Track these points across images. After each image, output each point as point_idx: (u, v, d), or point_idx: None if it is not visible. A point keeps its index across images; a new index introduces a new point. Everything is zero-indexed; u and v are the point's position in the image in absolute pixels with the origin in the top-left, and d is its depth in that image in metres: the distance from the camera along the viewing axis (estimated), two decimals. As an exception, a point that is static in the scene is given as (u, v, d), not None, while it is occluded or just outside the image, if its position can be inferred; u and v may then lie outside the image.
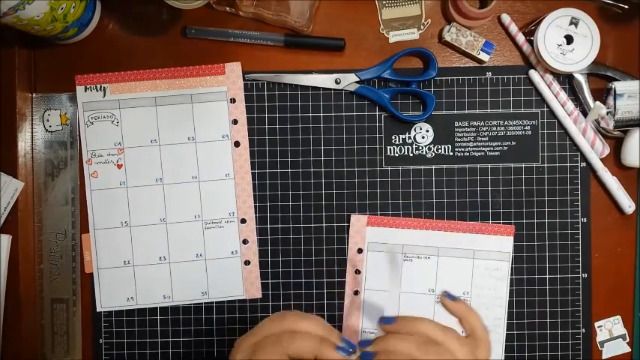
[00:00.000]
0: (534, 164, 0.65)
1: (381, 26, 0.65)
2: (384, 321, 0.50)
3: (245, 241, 0.66)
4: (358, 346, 0.48)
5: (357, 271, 0.65)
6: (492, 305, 0.64)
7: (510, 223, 0.65)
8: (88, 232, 0.66)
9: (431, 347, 0.47)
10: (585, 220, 0.65)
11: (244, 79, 0.65)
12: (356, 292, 0.65)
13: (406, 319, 0.50)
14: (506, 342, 0.65)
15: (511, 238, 0.64)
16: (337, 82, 0.65)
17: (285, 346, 0.46)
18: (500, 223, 0.65)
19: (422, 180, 0.65)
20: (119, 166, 0.65)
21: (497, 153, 0.65)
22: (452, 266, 0.64)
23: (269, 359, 0.47)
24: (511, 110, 0.65)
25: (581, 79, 0.64)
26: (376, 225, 0.65)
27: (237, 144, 0.65)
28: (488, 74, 0.65)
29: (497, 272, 0.64)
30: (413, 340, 0.48)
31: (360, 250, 0.65)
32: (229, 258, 0.65)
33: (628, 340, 0.65)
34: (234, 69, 0.65)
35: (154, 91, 0.65)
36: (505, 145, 0.65)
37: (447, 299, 0.59)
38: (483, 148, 0.65)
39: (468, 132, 0.65)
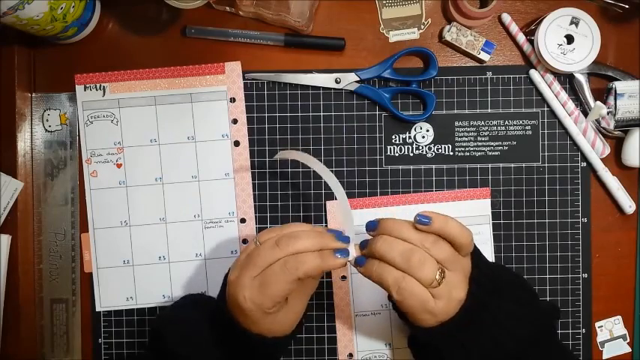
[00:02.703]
0: (534, 164, 0.65)
1: (381, 26, 0.65)
2: (370, 225, 0.49)
3: (245, 241, 0.65)
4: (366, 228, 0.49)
5: None
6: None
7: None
8: (88, 231, 0.66)
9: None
10: (585, 220, 0.65)
11: (244, 79, 0.65)
12: (343, 278, 0.65)
13: (387, 222, 0.48)
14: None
15: (488, 201, 0.64)
16: (337, 81, 0.65)
17: (294, 272, 0.47)
18: (477, 187, 0.65)
19: (422, 180, 0.65)
20: (119, 166, 0.65)
21: (497, 153, 0.65)
22: None
23: (283, 289, 0.47)
24: (511, 110, 0.65)
25: (581, 78, 0.64)
26: (355, 208, 0.65)
27: (236, 143, 0.65)
28: (489, 74, 0.65)
29: (479, 236, 0.64)
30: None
31: None
32: (229, 258, 0.65)
33: (628, 340, 0.65)
34: (234, 68, 0.65)
35: (153, 90, 0.65)
36: (505, 145, 0.65)
37: (422, 226, 0.48)
38: (483, 148, 0.65)
39: (468, 132, 0.65)
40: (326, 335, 0.65)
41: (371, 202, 0.65)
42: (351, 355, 0.65)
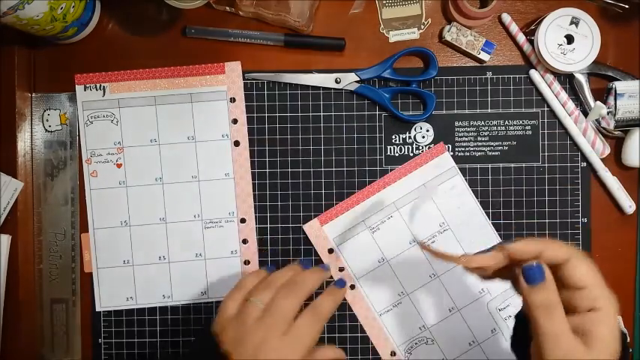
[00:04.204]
0: (534, 164, 0.65)
1: (381, 26, 0.65)
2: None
3: (245, 241, 0.65)
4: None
5: (341, 269, 0.65)
6: (470, 218, 0.65)
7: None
8: (88, 231, 0.66)
9: None
10: (585, 220, 0.65)
11: (244, 79, 0.65)
12: (352, 287, 0.65)
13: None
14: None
15: (447, 154, 0.65)
16: (337, 81, 0.65)
17: (322, 316, 0.51)
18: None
19: (422, 180, 0.65)
20: (119, 166, 0.65)
21: (497, 153, 0.65)
22: (416, 210, 0.65)
23: (315, 336, 0.49)
24: (511, 110, 0.65)
25: (581, 78, 0.64)
26: (330, 220, 0.65)
27: (236, 143, 0.65)
28: (489, 74, 0.65)
29: (455, 189, 0.65)
30: None
31: (331, 250, 0.65)
32: (229, 257, 0.65)
33: (628, 340, 0.65)
34: (234, 68, 0.65)
35: (153, 90, 0.65)
36: (505, 145, 0.65)
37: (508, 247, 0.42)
38: (483, 148, 0.65)
39: (468, 132, 0.65)
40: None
41: (338, 210, 0.65)
42: (393, 353, 0.65)
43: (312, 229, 0.65)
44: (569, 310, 0.40)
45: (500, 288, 0.65)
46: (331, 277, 0.65)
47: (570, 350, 0.38)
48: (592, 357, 0.38)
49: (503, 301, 0.64)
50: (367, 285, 0.65)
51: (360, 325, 0.65)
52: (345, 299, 0.65)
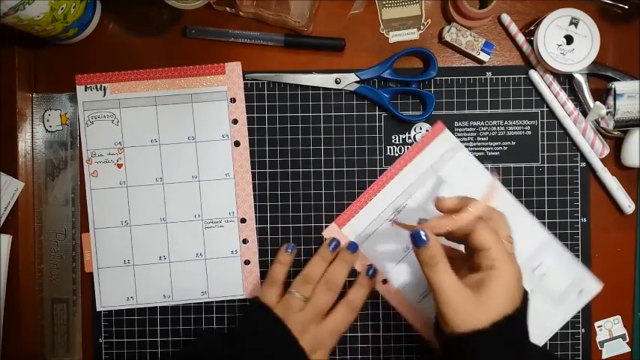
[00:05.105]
0: (534, 164, 0.65)
1: (381, 26, 0.65)
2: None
3: (245, 241, 0.66)
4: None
5: (370, 266, 0.64)
6: (480, 187, 0.63)
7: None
8: (88, 231, 0.66)
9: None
10: (585, 220, 0.65)
11: (244, 79, 0.65)
12: (384, 281, 0.65)
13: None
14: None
15: (447, 132, 0.65)
16: (337, 81, 0.65)
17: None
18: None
19: (422, 180, 0.65)
20: (119, 166, 0.66)
21: (497, 153, 0.66)
22: (429, 191, 0.64)
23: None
24: (511, 110, 0.65)
25: (581, 79, 0.64)
26: (347, 221, 0.65)
27: (237, 144, 0.65)
28: (488, 74, 0.65)
29: (462, 162, 0.65)
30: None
31: None
32: (229, 257, 0.66)
33: (628, 340, 0.65)
34: (234, 69, 0.65)
35: (154, 90, 0.65)
36: (505, 145, 0.66)
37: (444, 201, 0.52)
38: (483, 148, 0.66)
39: (467, 132, 0.66)
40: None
41: (353, 209, 0.65)
42: None
43: (331, 232, 0.65)
44: (476, 269, 0.47)
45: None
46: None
47: (459, 297, 0.44)
48: (480, 305, 0.44)
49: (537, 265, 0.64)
50: (400, 276, 0.64)
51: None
52: (376, 291, 0.65)
